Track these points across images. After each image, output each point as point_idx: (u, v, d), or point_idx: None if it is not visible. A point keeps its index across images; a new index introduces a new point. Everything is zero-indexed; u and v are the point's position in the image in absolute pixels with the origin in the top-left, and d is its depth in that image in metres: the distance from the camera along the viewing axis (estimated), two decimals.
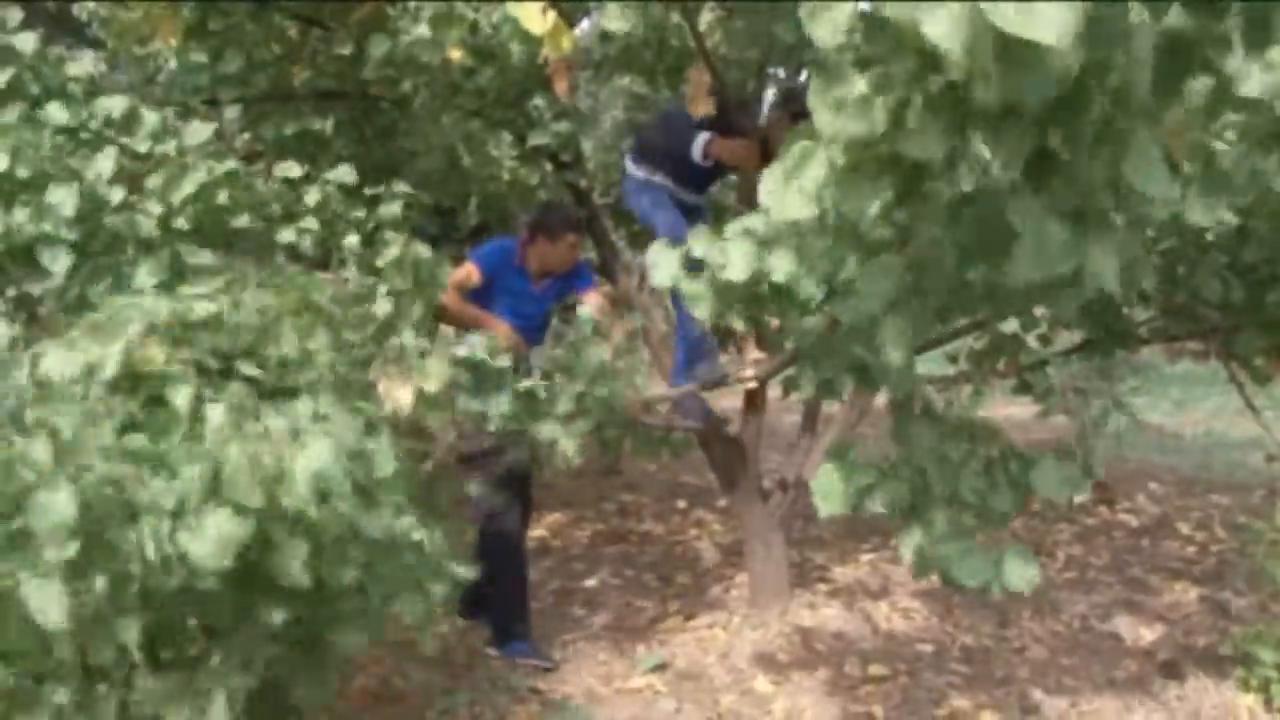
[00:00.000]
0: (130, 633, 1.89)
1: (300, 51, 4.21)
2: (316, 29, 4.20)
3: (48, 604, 1.65)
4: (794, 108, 3.98)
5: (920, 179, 1.57)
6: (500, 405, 2.81)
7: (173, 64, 4.40)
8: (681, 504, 6.49)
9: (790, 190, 1.89)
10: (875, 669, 3.89)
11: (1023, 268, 1.44)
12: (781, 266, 2.24)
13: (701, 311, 2.41)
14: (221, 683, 2.12)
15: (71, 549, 1.65)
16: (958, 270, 1.64)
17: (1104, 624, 4.31)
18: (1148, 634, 4.19)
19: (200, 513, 1.84)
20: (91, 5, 4.57)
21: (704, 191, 4.34)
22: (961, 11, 1.09)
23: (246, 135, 4.92)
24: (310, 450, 2.01)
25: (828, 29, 1.37)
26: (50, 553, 1.66)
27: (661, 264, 2.48)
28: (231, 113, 4.43)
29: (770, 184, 1.89)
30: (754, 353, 4.14)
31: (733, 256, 2.23)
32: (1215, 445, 7.70)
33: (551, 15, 2.62)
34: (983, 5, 1.05)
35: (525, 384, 2.97)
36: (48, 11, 11.72)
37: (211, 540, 1.83)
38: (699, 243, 2.36)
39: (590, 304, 3.83)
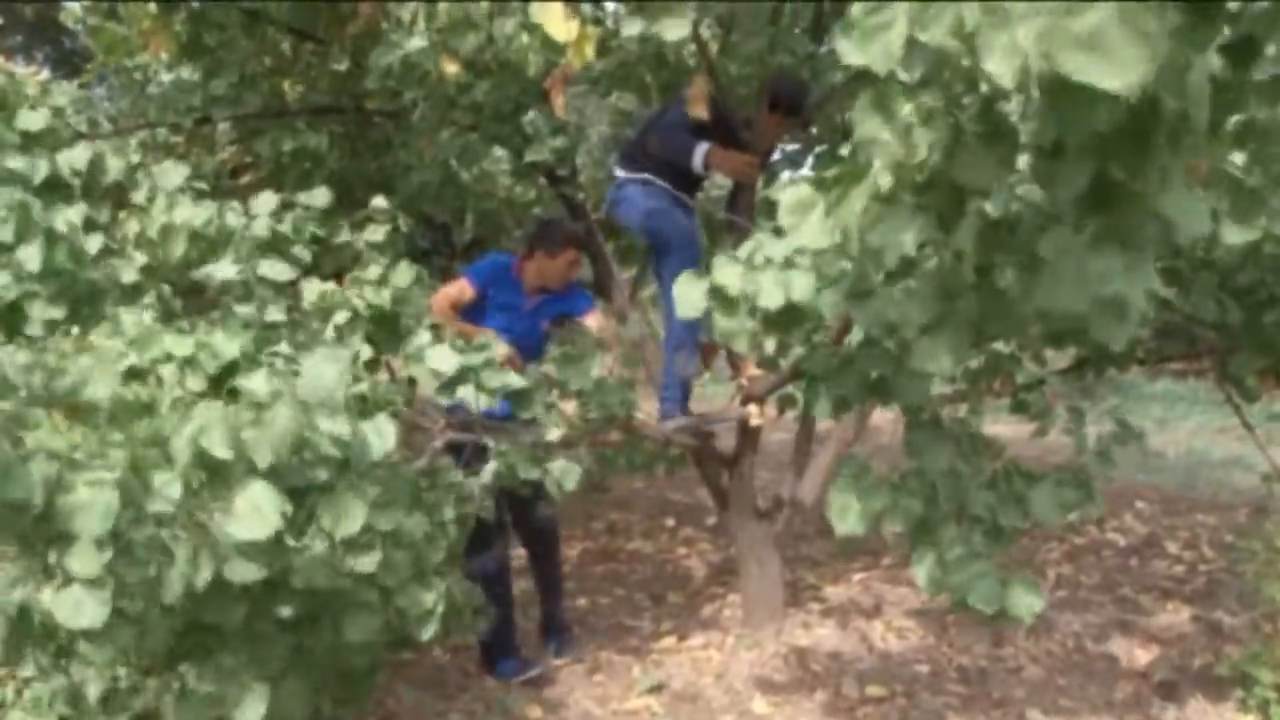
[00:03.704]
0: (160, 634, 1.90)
1: (294, 66, 4.16)
2: (310, 43, 4.16)
3: (79, 608, 1.64)
4: (783, 107, 3.98)
5: (962, 203, 1.56)
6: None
7: (164, 77, 4.34)
8: (670, 522, 6.46)
9: (813, 220, 1.88)
10: (873, 689, 3.87)
11: (1063, 297, 1.43)
12: (801, 286, 2.24)
13: (740, 345, 2.41)
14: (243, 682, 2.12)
15: (106, 555, 1.63)
16: (1003, 294, 1.63)
17: (1098, 644, 4.31)
18: (1142, 654, 4.19)
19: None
20: (79, 12, 4.51)
21: (693, 194, 4.32)
22: (1020, 53, 1.07)
23: (234, 147, 4.87)
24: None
25: (880, 53, 1.34)
26: (83, 559, 1.64)
27: (687, 297, 2.46)
28: (223, 124, 4.37)
29: (794, 206, 1.87)
30: (751, 370, 4.13)
31: (765, 286, 2.22)
32: (1198, 464, 7.74)
33: (576, 23, 2.59)
34: (1054, 52, 1.03)
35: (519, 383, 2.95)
36: (26, 21, 11.60)
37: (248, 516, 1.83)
38: (729, 273, 2.34)
39: (588, 323, 3.81)
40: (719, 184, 5.65)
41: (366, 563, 2.27)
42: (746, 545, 4.45)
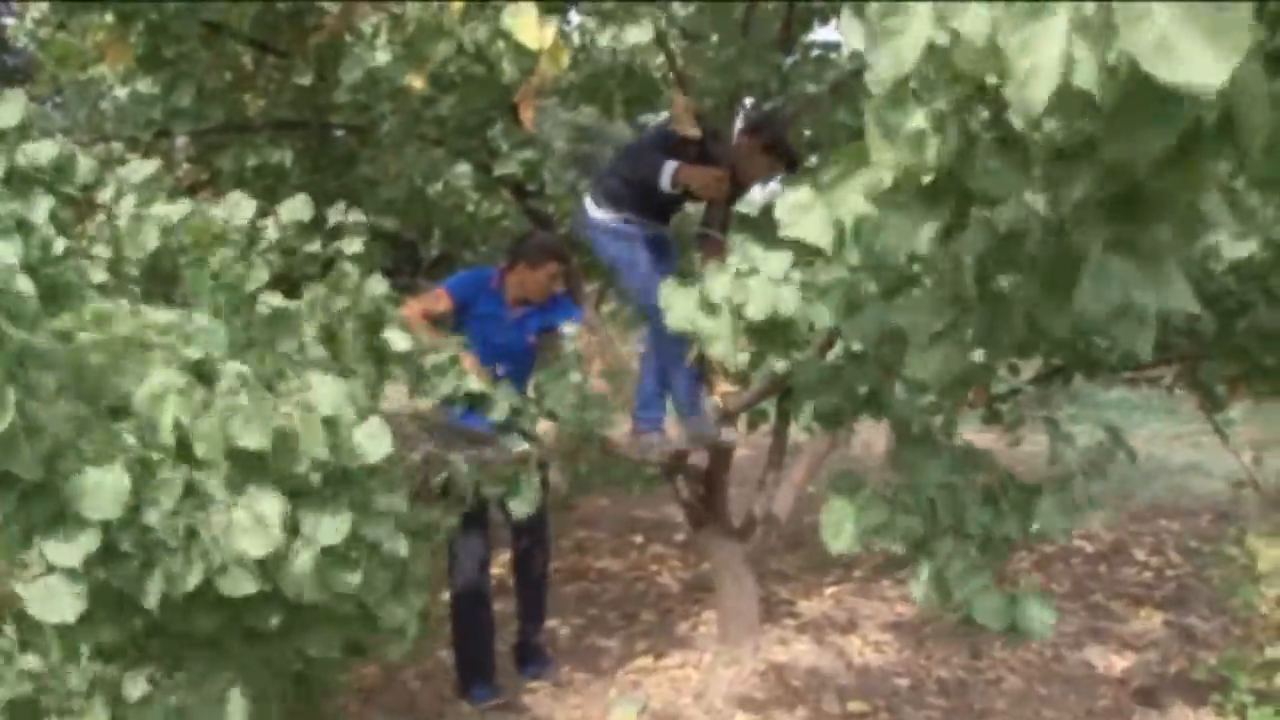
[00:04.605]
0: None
1: (254, 80, 4.06)
2: (272, 56, 4.06)
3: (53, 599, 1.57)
4: (764, 137, 3.92)
5: (968, 209, 1.53)
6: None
7: (118, 92, 4.21)
8: (638, 539, 6.39)
9: (811, 218, 1.85)
10: (854, 705, 3.83)
11: (1084, 300, 1.41)
12: (789, 300, 2.21)
13: (717, 349, 2.36)
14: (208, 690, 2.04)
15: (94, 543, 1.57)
16: (1009, 303, 1.61)
17: (1074, 652, 4.31)
18: (1119, 661, 4.20)
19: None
20: (30, 26, 4.36)
21: (668, 221, 4.23)
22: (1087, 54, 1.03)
23: (187, 165, 4.75)
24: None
25: (891, 60, 1.31)
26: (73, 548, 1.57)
27: (676, 306, 2.41)
28: (180, 141, 4.26)
29: (793, 206, 1.83)
30: (724, 386, 4.08)
31: (753, 294, 2.18)
32: (1158, 470, 7.83)
33: (550, 31, 2.53)
34: (1130, 50, 0.99)
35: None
36: None
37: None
38: (719, 283, 2.31)
39: (570, 329, 3.75)
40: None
41: (350, 578, 2.18)
42: (721, 562, 4.39)
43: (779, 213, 1.91)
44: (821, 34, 4.96)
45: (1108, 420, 9.88)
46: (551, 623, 4.87)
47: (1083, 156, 1.29)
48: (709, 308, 2.35)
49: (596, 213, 3.88)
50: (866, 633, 4.60)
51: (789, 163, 3.97)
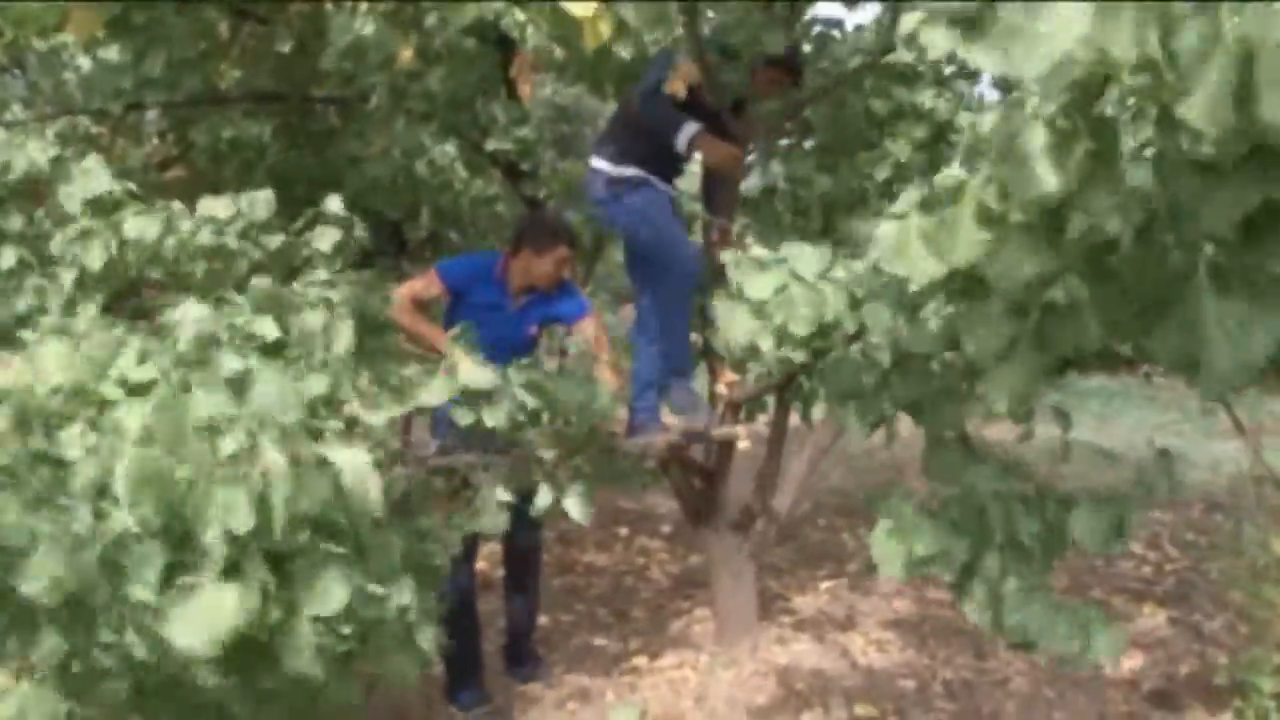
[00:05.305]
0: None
1: (230, 49, 3.81)
2: (250, 24, 3.81)
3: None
4: (786, 67, 3.76)
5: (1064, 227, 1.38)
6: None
7: (81, 61, 3.94)
8: (623, 531, 6.22)
9: (917, 247, 1.69)
10: (861, 709, 3.69)
11: (1215, 357, 1.26)
12: (836, 305, 2.06)
13: (765, 345, 2.19)
14: None
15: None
16: (1080, 320, 1.47)
17: None
18: (1127, 661, 4.08)
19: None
20: None
21: (671, 180, 3.99)
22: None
23: (157, 141, 4.50)
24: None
25: (1035, 64, 1.15)
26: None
27: (733, 322, 2.24)
28: (151, 113, 4.00)
29: (892, 243, 1.68)
30: (728, 375, 3.92)
31: (797, 304, 2.03)
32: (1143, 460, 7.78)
33: None
34: None
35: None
36: None
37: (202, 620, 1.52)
38: (757, 289, 2.14)
39: (585, 332, 3.54)
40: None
41: (349, 643, 1.98)
42: (719, 557, 4.23)
43: (875, 252, 1.77)
44: (822, 9, 4.77)
45: (1093, 409, 9.77)
46: (540, 620, 4.70)
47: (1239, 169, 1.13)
48: (759, 313, 2.19)
49: (614, 169, 3.62)
50: (867, 630, 4.47)
51: (790, 72, 3.82)
